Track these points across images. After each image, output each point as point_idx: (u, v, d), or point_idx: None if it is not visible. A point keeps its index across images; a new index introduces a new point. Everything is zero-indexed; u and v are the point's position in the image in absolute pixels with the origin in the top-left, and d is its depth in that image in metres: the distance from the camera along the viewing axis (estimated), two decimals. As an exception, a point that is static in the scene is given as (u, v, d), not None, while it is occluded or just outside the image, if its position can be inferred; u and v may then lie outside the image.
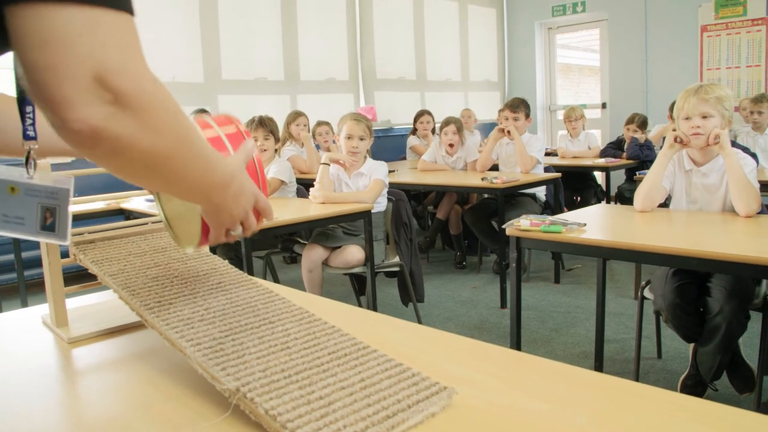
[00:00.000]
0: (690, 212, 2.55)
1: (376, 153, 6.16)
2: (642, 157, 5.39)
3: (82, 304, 1.48)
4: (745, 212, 2.35)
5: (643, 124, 5.62)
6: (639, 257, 2.08)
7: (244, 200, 0.98)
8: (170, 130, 0.80)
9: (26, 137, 0.92)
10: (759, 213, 2.41)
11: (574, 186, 5.66)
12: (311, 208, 3.19)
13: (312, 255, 3.27)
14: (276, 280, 4.56)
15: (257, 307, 1.11)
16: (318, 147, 5.70)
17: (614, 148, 5.69)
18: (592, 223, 2.36)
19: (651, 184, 2.59)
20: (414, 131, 6.51)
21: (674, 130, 2.54)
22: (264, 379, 0.87)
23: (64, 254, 1.29)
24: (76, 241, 1.35)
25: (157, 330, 1.03)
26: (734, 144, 3.50)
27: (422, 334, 1.17)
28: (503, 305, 3.93)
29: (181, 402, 0.94)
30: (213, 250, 3.65)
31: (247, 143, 1.03)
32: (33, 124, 0.90)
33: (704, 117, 2.46)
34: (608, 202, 5.64)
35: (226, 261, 1.30)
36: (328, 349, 0.96)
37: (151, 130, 0.74)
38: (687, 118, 2.50)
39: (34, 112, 0.91)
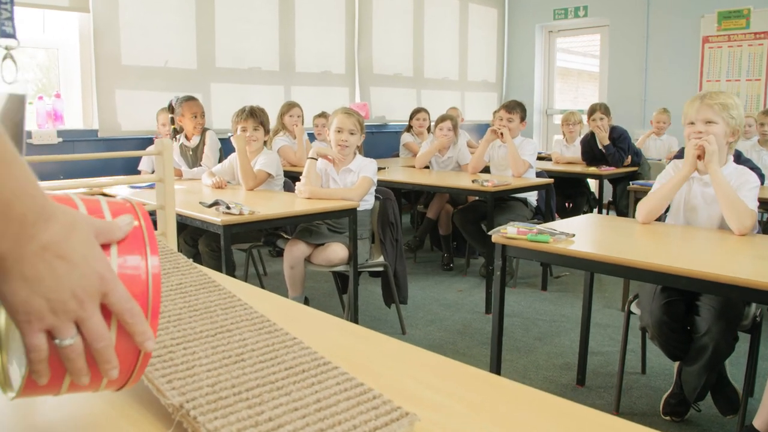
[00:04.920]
0: (685, 228, 2.48)
1: (369, 149, 6.10)
2: (624, 155, 5.29)
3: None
4: (738, 230, 2.28)
5: (605, 110, 5.48)
6: (627, 273, 2.01)
7: (74, 277, 0.57)
8: None
9: (2, 34, 0.68)
10: (756, 232, 2.35)
11: (566, 192, 5.59)
12: (297, 203, 3.12)
13: (294, 251, 3.20)
14: (263, 272, 4.50)
15: (216, 312, 1.04)
16: (313, 138, 5.67)
17: (589, 150, 5.53)
18: (581, 234, 2.30)
19: (659, 203, 2.49)
20: (408, 128, 6.43)
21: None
22: (211, 396, 0.80)
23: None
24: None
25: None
26: (740, 159, 3.44)
27: (390, 347, 1.10)
28: (488, 311, 3.87)
29: (123, 413, 0.87)
30: (195, 240, 3.60)
31: (124, 218, 0.67)
32: (11, 19, 0.66)
33: (708, 123, 2.39)
34: (600, 210, 5.57)
35: (191, 260, 1.23)
36: (286, 364, 0.89)
37: None
38: (691, 123, 2.43)
39: (11, 3, 0.65)
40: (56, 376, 0.61)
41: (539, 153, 6.37)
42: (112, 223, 0.64)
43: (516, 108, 4.59)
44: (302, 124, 5.33)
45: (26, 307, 0.56)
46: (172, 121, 4.47)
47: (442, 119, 5.13)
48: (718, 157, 2.35)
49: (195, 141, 4.41)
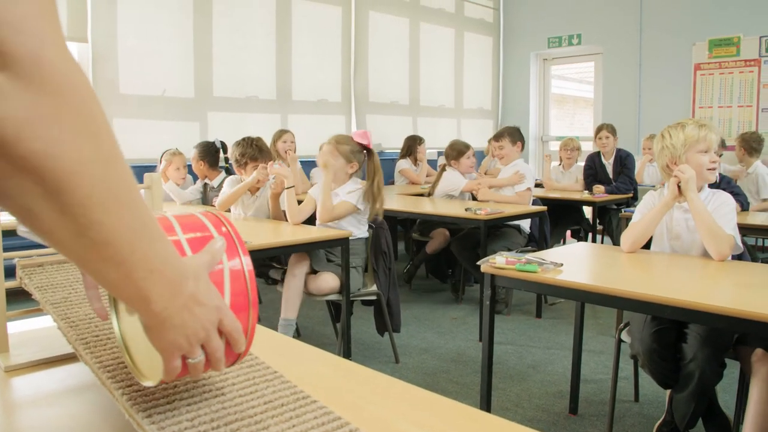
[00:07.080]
0: (671, 255, 2.50)
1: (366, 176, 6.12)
2: (631, 181, 5.41)
3: (29, 327, 1.42)
4: (717, 256, 2.32)
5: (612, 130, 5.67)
6: (613, 302, 2.02)
7: (205, 314, 0.71)
8: (88, 134, 0.53)
9: None
10: (740, 258, 2.37)
11: (560, 219, 5.62)
12: (289, 233, 3.13)
13: (300, 264, 3.19)
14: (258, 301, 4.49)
15: (199, 346, 1.05)
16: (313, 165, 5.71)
17: (593, 173, 5.66)
18: (570, 264, 2.31)
19: (643, 232, 2.52)
20: (404, 155, 6.44)
21: (674, 175, 2.43)
22: (190, 430, 0.81)
23: (10, 275, 1.24)
24: (24, 263, 1.30)
25: (90, 367, 0.98)
26: (730, 185, 3.49)
27: (377, 381, 1.12)
28: (482, 338, 3.86)
29: (105, 448, 0.89)
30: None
31: (215, 243, 0.77)
32: None
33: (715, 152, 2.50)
34: (594, 237, 5.59)
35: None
36: (265, 398, 0.91)
37: (54, 122, 0.50)
38: (706, 152, 2.47)
39: None
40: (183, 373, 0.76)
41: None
42: (212, 254, 0.76)
43: (503, 134, 4.72)
44: (295, 151, 5.35)
45: (173, 346, 0.70)
46: (226, 161, 4.76)
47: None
48: (695, 183, 2.39)
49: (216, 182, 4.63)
